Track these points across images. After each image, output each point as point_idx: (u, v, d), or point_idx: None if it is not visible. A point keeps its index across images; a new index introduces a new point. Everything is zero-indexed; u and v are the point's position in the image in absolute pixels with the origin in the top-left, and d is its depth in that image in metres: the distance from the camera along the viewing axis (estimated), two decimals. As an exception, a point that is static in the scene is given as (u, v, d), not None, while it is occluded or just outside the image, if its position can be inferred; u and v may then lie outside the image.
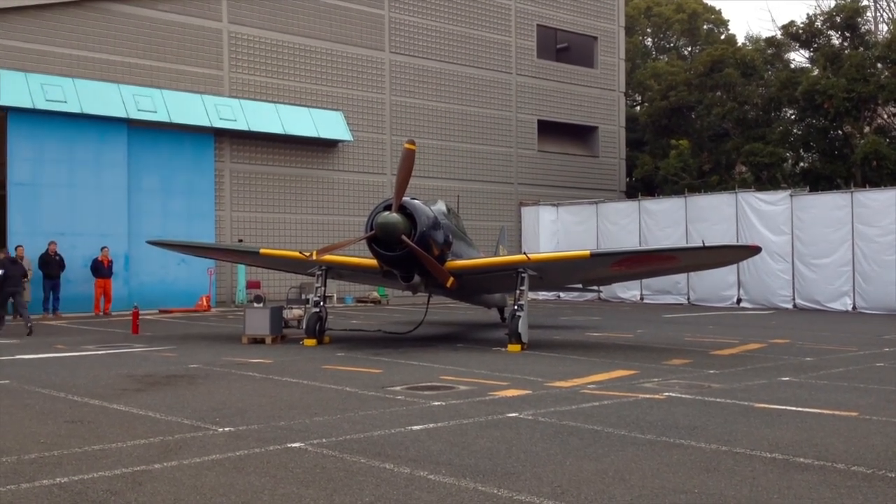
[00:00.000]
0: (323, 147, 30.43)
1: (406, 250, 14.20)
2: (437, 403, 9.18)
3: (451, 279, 14.64)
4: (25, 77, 24.22)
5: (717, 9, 53.21)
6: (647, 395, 9.79)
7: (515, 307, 15.11)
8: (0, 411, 8.68)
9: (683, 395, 9.84)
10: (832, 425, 8.08)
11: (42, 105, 24.08)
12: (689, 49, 52.55)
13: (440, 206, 16.04)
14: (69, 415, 8.47)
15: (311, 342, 15.56)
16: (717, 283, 28.75)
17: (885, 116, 36.05)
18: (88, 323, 21.40)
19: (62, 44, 25.31)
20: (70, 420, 8.19)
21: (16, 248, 23.19)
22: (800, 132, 36.82)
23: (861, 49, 34.85)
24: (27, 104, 23.88)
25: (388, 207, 14.65)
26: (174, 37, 27.36)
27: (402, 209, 14.57)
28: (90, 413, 8.56)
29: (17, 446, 6.97)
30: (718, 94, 38.32)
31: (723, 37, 50.56)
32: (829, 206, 26.76)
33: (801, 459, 6.67)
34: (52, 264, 23.43)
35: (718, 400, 9.51)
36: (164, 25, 27.20)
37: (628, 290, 31.60)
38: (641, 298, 31.35)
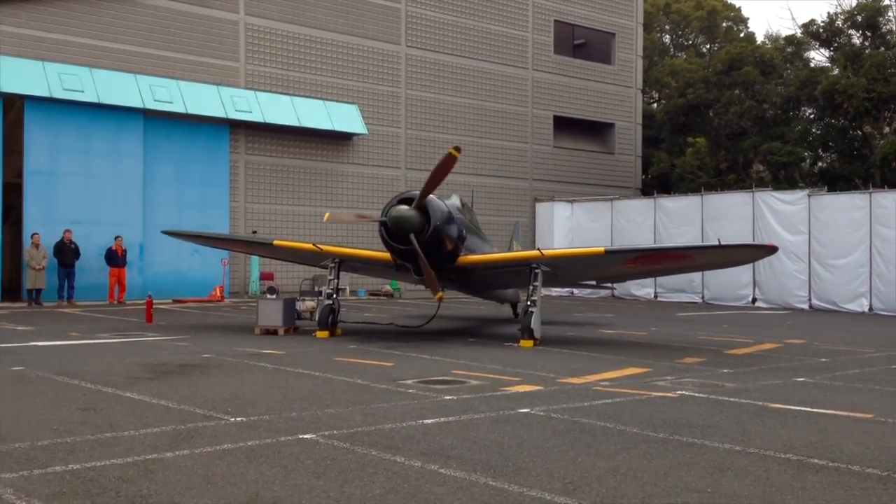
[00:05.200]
0: (338, 140, 30.44)
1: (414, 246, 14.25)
2: (448, 397, 9.16)
3: (440, 293, 15.28)
4: (43, 66, 24.33)
5: (737, 6, 52.74)
6: (660, 394, 9.73)
7: (529, 303, 15.06)
8: (13, 398, 8.72)
9: (697, 394, 9.77)
10: (847, 427, 8.00)
11: (59, 94, 24.21)
12: (708, 46, 52.21)
13: (454, 201, 16.07)
14: (82, 402, 8.50)
15: (323, 334, 15.59)
16: (732, 282, 28.59)
17: (905, 117, 35.73)
18: (103, 311, 21.50)
19: (80, 33, 25.41)
20: (83, 407, 8.21)
21: (32, 236, 23.37)
22: (818, 132, 36.55)
23: (882, 49, 34.55)
24: (45, 93, 24.01)
25: (403, 201, 14.66)
26: (191, 28, 27.42)
27: (417, 203, 14.58)
28: (103, 401, 8.58)
29: (29, 432, 6.99)
30: (737, 92, 38.10)
31: (742, 35, 50.17)
32: (847, 207, 26.55)
33: (816, 460, 6.61)
34: (67, 252, 23.57)
35: (732, 399, 9.44)
36: (182, 16, 27.26)
37: (642, 288, 31.47)
38: (655, 296, 31.23)
